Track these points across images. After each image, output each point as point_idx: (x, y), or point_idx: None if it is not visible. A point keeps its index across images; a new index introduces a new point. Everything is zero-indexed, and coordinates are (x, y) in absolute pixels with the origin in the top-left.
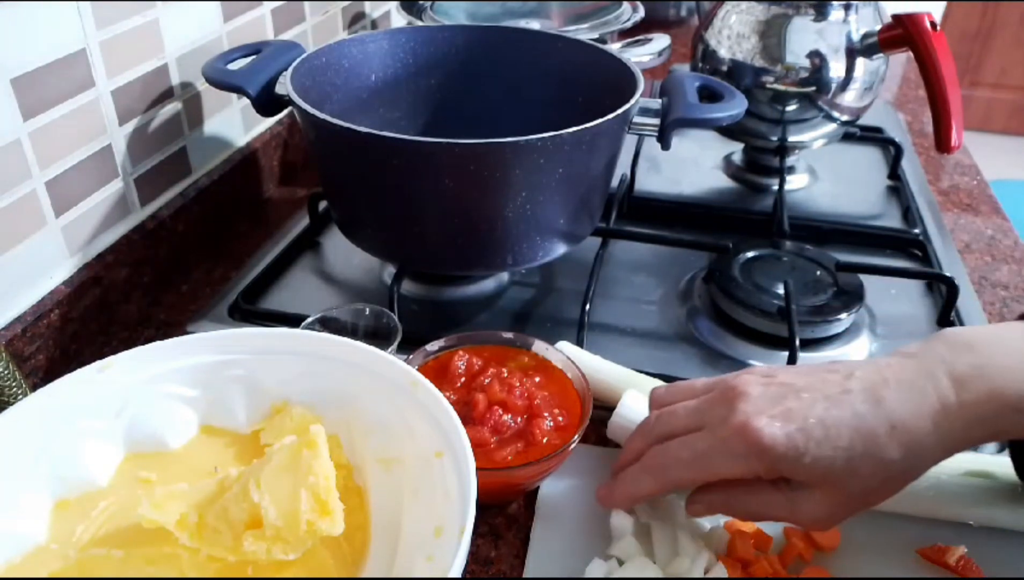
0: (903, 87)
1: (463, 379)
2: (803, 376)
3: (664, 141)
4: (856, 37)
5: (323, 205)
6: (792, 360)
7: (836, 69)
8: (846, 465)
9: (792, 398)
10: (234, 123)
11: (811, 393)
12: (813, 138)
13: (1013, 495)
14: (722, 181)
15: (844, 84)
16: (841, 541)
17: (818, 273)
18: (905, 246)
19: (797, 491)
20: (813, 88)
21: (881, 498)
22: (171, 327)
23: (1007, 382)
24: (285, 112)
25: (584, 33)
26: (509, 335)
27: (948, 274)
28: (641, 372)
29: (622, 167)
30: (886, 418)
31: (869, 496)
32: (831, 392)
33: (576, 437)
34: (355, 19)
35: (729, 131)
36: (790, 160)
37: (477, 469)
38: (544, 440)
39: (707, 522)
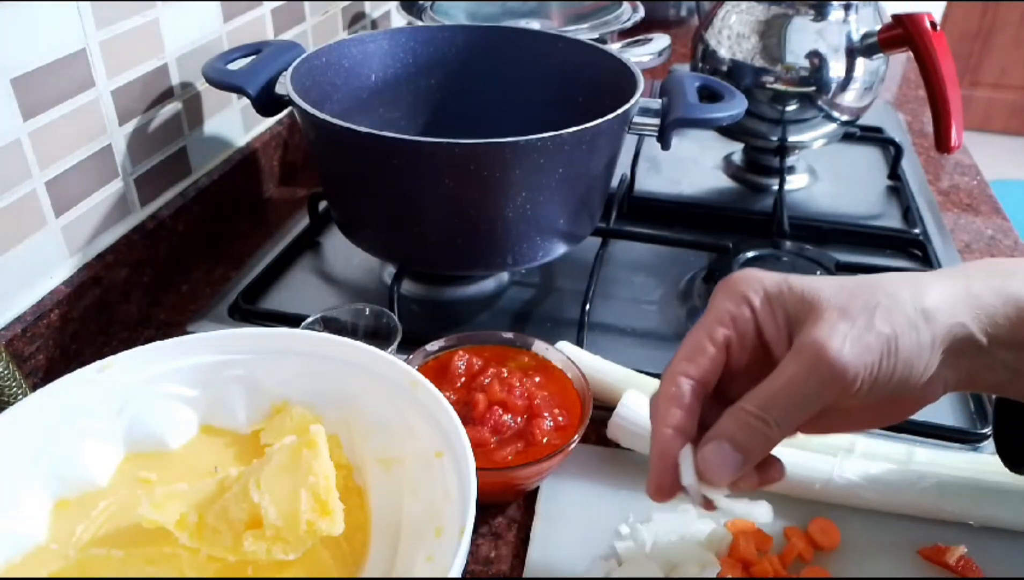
0: (903, 87)
1: (463, 379)
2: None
3: (664, 141)
4: (856, 37)
5: (323, 205)
6: None
7: (836, 69)
8: (828, 287)
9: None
10: (234, 123)
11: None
12: (813, 138)
13: (1013, 495)
14: (722, 181)
15: (844, 84)
16: (841, 541)
17: (818, 273)
18: (905, 246)
19: (800, 334)
20: (813, 88)
21: (881, 320)
22: (171, 327)
23: (1016, 284)
24: (285, 112)
25: (584, 33)
26: (509, 335)
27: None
28: (641, 372)
29: (622, 167)
30: (917, 299)
31: (880, 322)
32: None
33: (576, 437)
34: (355, 19)
35: (729, 131)
36: (790, 160)
37: (477, 469)
38: (544, 440)
39: (710, 522)
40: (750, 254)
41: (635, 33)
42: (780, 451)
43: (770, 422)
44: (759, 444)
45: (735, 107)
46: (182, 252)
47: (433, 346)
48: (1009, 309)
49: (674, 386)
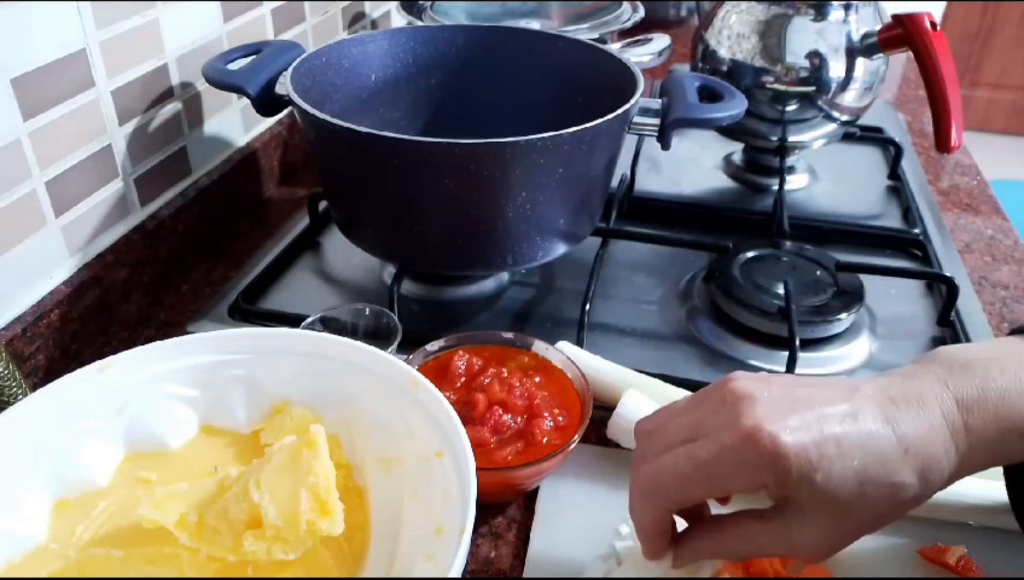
0: (903, 87)
1: (463, 379)
2: (806, 387)
3: (664, 141)
4: (856, 37)
5: (323, 205)
6: (792, 360)
7: (836, 69)
8: (857, 489)
9: (803, 408)
10: (234, 123)
11: (820, 407)
12: (813, 138)
13: None
14: (722, 181)
15: (844, 84)
16: None
17: (818, 273)
18: (905, 246)
19: (792, 518)
20: (813, 88)
21: (884, 523)
22: (171, 327)
23: (1009, 407)
24: (285, 112)
25: (584, 33)
26: (509, 335)
27: (948, 274)
28: (641, 372)
29: (622, 167)
30: (900, 440)
31: (875, 522)
32: (841, 409)
33: (576, 437)
34: (355, 19)
35: (729, 131)
36: (790, 160)
37: (477, 469)
38: (544, 440)
39: None
40: (750, 254)
41: (635, 33)
42: None
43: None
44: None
45: (735, 107)
46: (182, 252)
47: (433, 346)
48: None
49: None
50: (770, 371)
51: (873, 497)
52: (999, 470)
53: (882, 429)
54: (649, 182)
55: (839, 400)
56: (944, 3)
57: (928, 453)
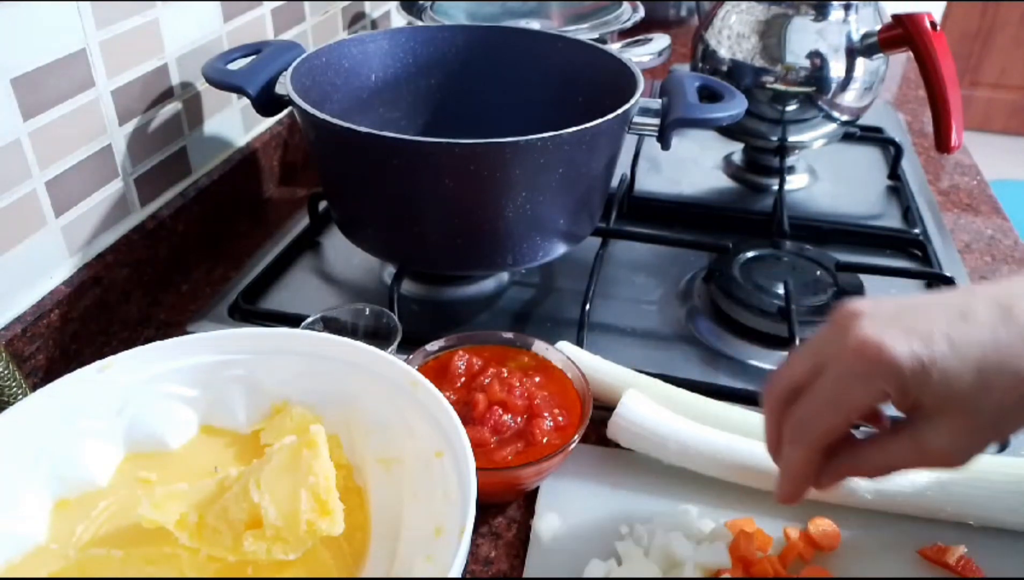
0: (903, 87)
1: (463, 379)
2: (919, 298)
3: (664, 141)
4: (856, 37)
5: (323, 205)
6: None
7: (836, 69)
8: (977, 380)
9: (911, 314)
10: (234, 123)
11: (931, 309)
12: (813, 138)
13: (1013, 495)
14: (722, 181)
15: (844, 84)
16: (841, 541)
17: (818, 273)
18: (905, 246)
19: (922, 425)
20: (813, 88)
21: (1016, 425)
22: (171, 327)
23: None
24: (285, 112)
25: (584, 33)
26: (509, 335)
27: (948, 274)
28: (641, 372)
29: (622, 167)
30: (1019, 326)
31: (1003, 420)
32: (954, 307)
33: (576, 437)
34: (355, 19)
35: (729, 131)
36: (790, 160)
37: (477, 469)
38: (544, 440)
39: (709, 522)
40: (750, 254)
41: (635, 33)
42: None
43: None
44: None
45: (735, 107)
46: (182, 252)
47: (433, 346)
48: None
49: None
50: (770, 371)
51: (997, 387)
52: (999, 470)
53: (998, 320)
54: (649, 182)
55: (951, 302)
56: (944, 3)
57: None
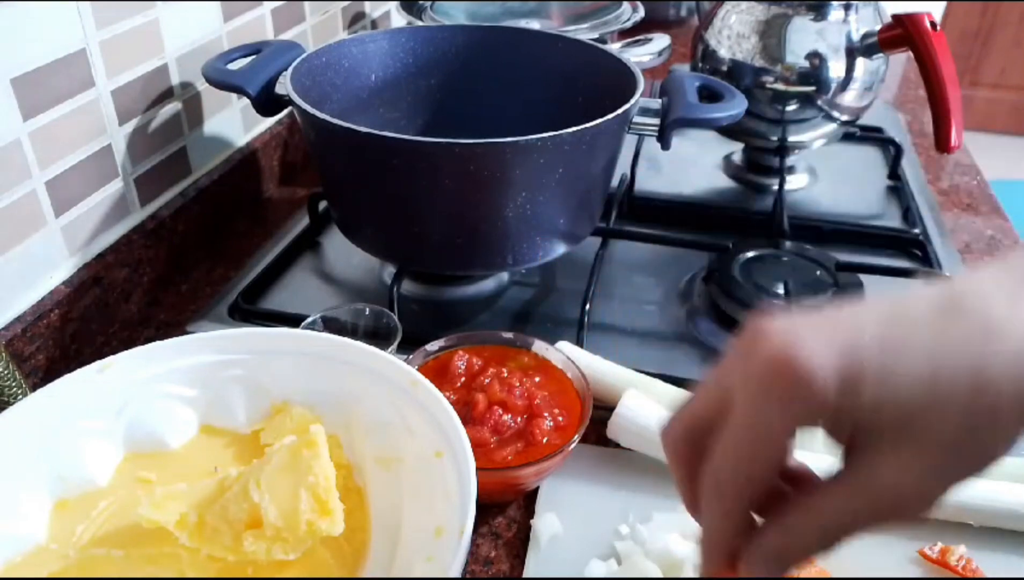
0: (903, 87)
1: (463, 379)
2: (844, 306)
3: (664, 141)
4: (856, 37)
5: (323, 205)
6: None
7: (836, 69)
8: (926, 395)
9: (832, 321)
10: (234, 123)
11: (858, 314)
12: (813, 138)
13: (1013, 495)
14: (722, 181)
15: (844, 84)
16: None
17: (818, 273)
18: (905, 246)
19: (864, 462)
20: (813, 88)
21: (995, 449)
22: (171, 327)
23: None
24: (285, 112)
25: (584, 33)
26: (509, 335)
27: (948, 274)
28: (641, 372)
29: (622, 167)
30: (974, 323)
31: (970, 444)
32: (884, 308)
33: (576, 437)
34: (355, 19)
35: (729, 131)
36: (790, 160)
37: (477, 469)
38: (544, 440)
39: None
40: (750, 254)
41: (635, 33)
42: None
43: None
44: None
45: (735, 107)
46: (182, 252)
47: (433, 346)
48: None
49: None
50: None
51: (954, 400)
52: (999, 470)
53: (944, 316)
54: (649, 182)
55: (881, 304)
56: (944, 3)
57: (1022, 331)
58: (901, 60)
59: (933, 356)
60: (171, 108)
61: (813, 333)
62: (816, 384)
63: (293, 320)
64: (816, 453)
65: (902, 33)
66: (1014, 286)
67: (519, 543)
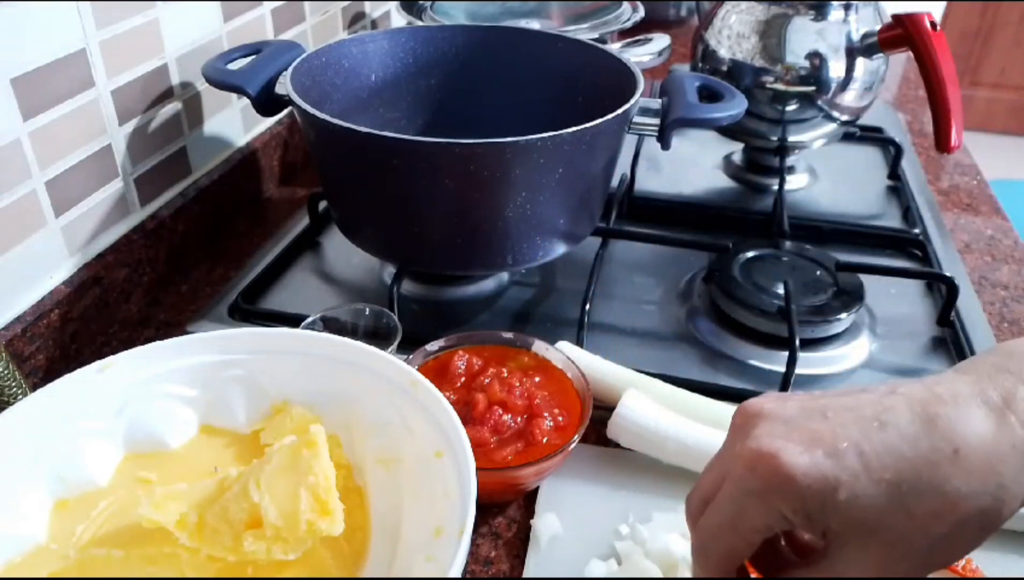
0: (903, 87)
1: (463, 379)
2: (831, 396)
3: (664, 141)
4: (856, 37)
5: (323, 205)
6: (792, 360)
7: (836, 69)
8: (895, 504)
9: (818, 419)
10: (234, 123)
11: (842, 413)
12: (813, 138)
13: None
14: (722, 181)
15: (844, 84)
16: None
17: (818, 273)
18: (905, 246)
19: (838, 556)
20: (813, 88)
21: (954, 554)
22: (171, 327)
23: None
24: (285, 112)
25: (584, 33)
26: (509, 335)
27: (948, 274)
28: (641, 372)
29: (622, 167)
30: (945, 440)
31: (937, 550)
32: (868, 412)
33: (576, 437)
34: (355, 19)
35: (729, 131)
36: (790, 160)
37: (477, 469)
38: (544, 440)
39: None
40: (750, 254)
41: (635, 33)
42: None
43: None
44: None
45: (735, 107)
46: (182, 252)
47: (433, 346)
48: None
49: None
50: (769, 370)
51: (922, 514)
52: None
53: (921, 430)
54: (649, 182)
55: (865, 405)
56: (944, 3)
57: (989, 452)
58: (901, 60)
59: (901, 472)
60: (171, 108)
61: (800, 431)
62: (795, 487)
63: (293, 320)
64: None
65: (902, 33)
66: (989, 396)
67: (519, 543)
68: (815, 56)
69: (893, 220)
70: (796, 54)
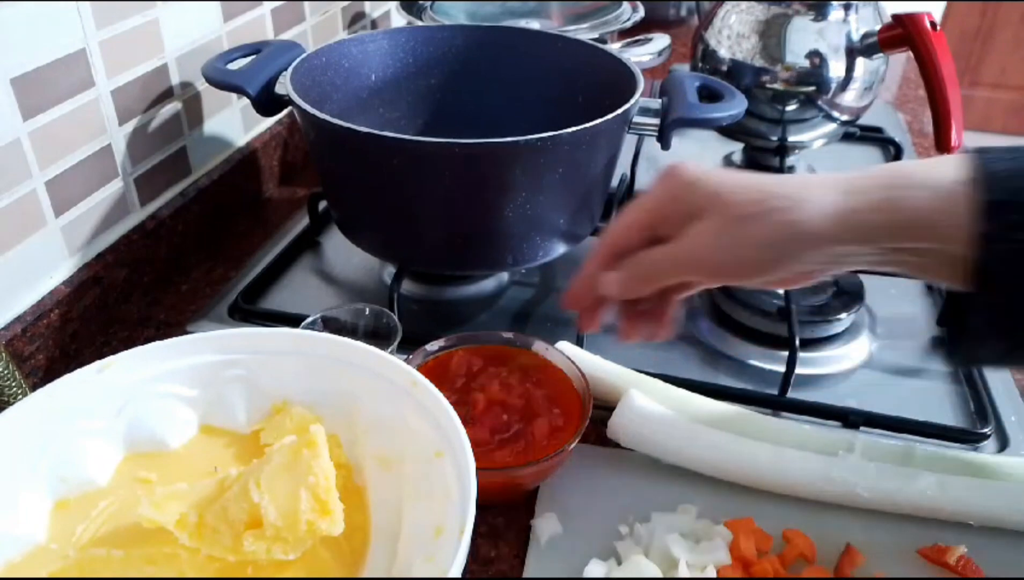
0: (903, 87)
1: (463, 379)
2: None
3: (664, 141)
4: (856, 37)
5: (323, 205)
6: (792, 360)
7: (836, 69)
8: (733, 186)
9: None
10: (234, 123)
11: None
12: (813, 138)
13: (1013, 495)
14: None
15: (844, 84)
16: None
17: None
18: None
19: (689, 228)
20: (813, 88)
21: (758, 231)
22: (171, 327)
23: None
24: (285, 112)
25: (584, 33)
26: (509, 335)
27: None
28: (641, 372)
29: (622, 167)
30: (789, 176)
31: (747, 223)
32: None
33: (576, 437)
34: (355, 19)
35: (729, 131)
36: (790, 160)
37: (477, 469)
38: (544, 440)
39: (709, 522)
40: None
41: (635, 33)
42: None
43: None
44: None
45: (735, 107)
46: (182, 252)
47: (433, 346)
48: (882, 218)
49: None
50: (769, 370)
51: (744, 193)
52: (999, 470)
53: (778, 176)
54: (649, 182)
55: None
56: (944, 3)
57: (811, 182)
58: (901, 60)
59: (750, 181)
60: (171, 108)
61: (695, 166)
62: (678, 177)
63: (293, 320)
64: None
65: (902, 33)
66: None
67: (519, 543)
68: (815, 56)
69: None
70: (796, 54)
